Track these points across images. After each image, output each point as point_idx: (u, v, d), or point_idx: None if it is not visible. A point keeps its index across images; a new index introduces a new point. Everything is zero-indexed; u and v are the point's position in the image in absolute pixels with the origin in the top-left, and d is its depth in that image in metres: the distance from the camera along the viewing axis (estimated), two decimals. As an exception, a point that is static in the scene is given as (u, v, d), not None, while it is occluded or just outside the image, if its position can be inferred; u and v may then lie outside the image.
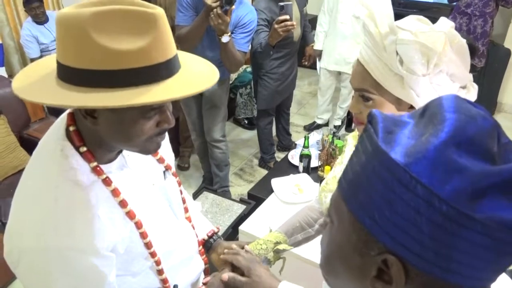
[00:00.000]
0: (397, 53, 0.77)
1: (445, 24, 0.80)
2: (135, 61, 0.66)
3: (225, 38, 2.23)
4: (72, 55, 0.67)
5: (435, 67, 0.76)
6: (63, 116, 0.82)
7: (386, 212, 0.41)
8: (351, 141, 1.10)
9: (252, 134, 3.94)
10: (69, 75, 0.68)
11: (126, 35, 0.65)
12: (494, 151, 0.40)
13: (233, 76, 3.96)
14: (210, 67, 0.81)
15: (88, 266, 0.76)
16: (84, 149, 0.77)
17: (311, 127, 3.99)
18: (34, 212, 0.74)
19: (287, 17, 2.38)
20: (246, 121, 4.16)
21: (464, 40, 0.80)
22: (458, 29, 3.61)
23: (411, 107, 0.81)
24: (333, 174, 1.09)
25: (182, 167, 3.51)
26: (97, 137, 0.77)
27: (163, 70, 0.69)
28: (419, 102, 0.79)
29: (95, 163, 0.78)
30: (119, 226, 0.81)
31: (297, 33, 2.97)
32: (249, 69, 3.66)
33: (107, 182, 0.80)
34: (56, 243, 0.72)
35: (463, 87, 0.82)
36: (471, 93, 0.82)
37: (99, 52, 0.64)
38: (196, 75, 0.76)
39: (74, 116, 0.79)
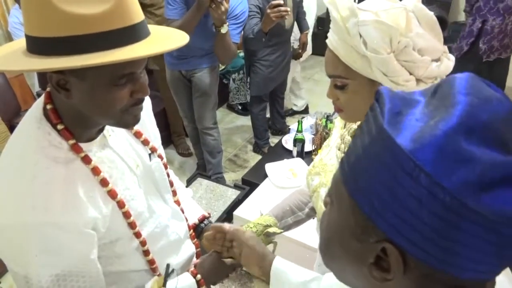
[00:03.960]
0: (360, 35, 0.77)
1: None
2: (99, 26, 0.65)
3: (224, 29, 2.21)
4: (37, 25, 0.67)
5: (399, 44, 0.76)
6: (42, 96, 0.81)
7: (387, 200, 0.39)
8: (338, 123, 1.09)
9: (246, 119, 3.92)
10: (35, 45, 0.68)
11: (88, 0, 0.65)
12: (510, 138, 0.37)
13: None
14: (181, 33, 0.80)
15: (66, 243, 0.76)
16: (61, 126, 0.77)
17: (288, 113, 4.00)
18: (12, 190, 0.74)
19: (281, 1, 2.33)
20: (240, 107, 4.14)
21: (432, 13, 0.79)
22: (504, 29, 3.41)
23: None
24: (320, 157, 1.08)
25: (184, 153, 3.50)
26: (74, 114, 0.77)
27: (128, 35, 0.69)
28: (388, 81, 0.79)
29: (73, 141, 0.78)
30: (100, 204, 0.81)
31: (289, 21, 2.92)
32: (241, 54, 3.63)
33: (86, 160, 0.79)
34: (34, 219, 0.72)
35: (436, 60, 0.81)
36: (444, 65, 0.82)
37: (62, 18, 0.64)
38: (164, 40, 0.76)
39: (51, 95, 0.79)
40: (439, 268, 0.39)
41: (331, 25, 0.84)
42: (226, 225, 1.00)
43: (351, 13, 0.78)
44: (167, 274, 0.89)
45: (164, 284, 0.88)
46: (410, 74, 0.79)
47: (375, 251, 0.42)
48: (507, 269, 0.57)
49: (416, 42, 0.77)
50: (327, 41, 0.85)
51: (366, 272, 0.44)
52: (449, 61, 0.83)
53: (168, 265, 0.91)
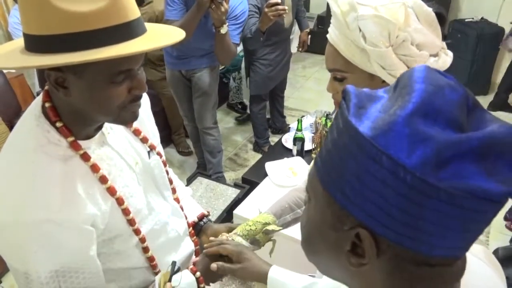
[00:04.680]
0: (359, 29, 0.79)
1: None
2: (95, 23, 0.66)
3: (224, 29, 2.21)
4: (33, 23, 0.67)
5: (398, 38, 0.78)
6: (40, 95, 0.81)
7: (356, 186, 0.42)
8: None
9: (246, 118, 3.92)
10: (33, 43, 0.69)
11: None
12: (463, 120, 0.40)
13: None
14: (177, 30, 0.81)
15: (65, 239, 0.76)
16: (60, 124, 0.78)
17: None
18: (12, 187, 0.75)
19: (279, 0, 2.33)
20: (239, 106, 4.14)
21: (430, 9, 0.81)
22: None
23: (384, 81, 0.83)
24: None
25: (184, 152, 3.51)
26: (72, 112, 0.78)
27: (124, 32, 0.70)
28: (387, 74, 0.81)
29: (72, 138, 0.79)
30: (99, 201, 0.81)
31: (288, 20, 2.92)
32: (241, 53, 3.64)
33: (85, 157, 0.80)
34: (33, 216, 0.73)
35: (434, 55, 0.83)
36: (442, 60, 0.83)
37: (58, 16, 0.65)
38: (160, 36, 0.77)
39: (49, 93, 0.79)
40: (409, 247, 0.41)
41: (331, 20, 0.85)
42: (226, 246, 0.99)
43: (351, 8, 0.80)
44: (173, 272, 0.90)
45: (170, 280, 0.89)
46: (408, 68, 0.80)
47: (350, 238, 0.44)
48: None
49: (414, 37, 0.78)
50: (327, 35, 0.87)
51: (345, 261, 0.46)
52: (447, 57, 0.84)
53: (174, 263, 0.92)
